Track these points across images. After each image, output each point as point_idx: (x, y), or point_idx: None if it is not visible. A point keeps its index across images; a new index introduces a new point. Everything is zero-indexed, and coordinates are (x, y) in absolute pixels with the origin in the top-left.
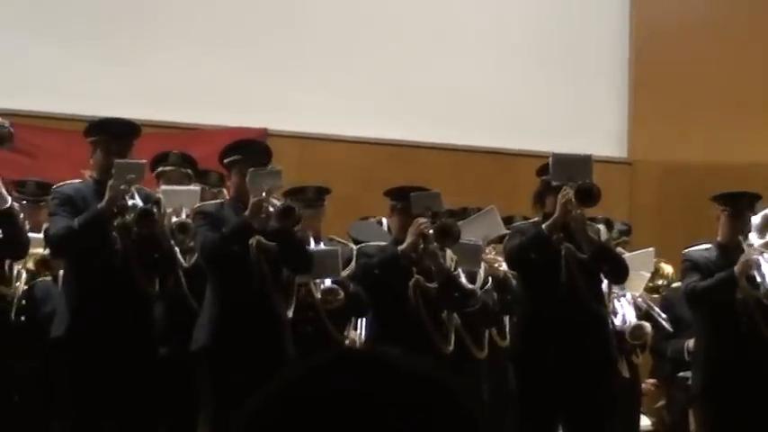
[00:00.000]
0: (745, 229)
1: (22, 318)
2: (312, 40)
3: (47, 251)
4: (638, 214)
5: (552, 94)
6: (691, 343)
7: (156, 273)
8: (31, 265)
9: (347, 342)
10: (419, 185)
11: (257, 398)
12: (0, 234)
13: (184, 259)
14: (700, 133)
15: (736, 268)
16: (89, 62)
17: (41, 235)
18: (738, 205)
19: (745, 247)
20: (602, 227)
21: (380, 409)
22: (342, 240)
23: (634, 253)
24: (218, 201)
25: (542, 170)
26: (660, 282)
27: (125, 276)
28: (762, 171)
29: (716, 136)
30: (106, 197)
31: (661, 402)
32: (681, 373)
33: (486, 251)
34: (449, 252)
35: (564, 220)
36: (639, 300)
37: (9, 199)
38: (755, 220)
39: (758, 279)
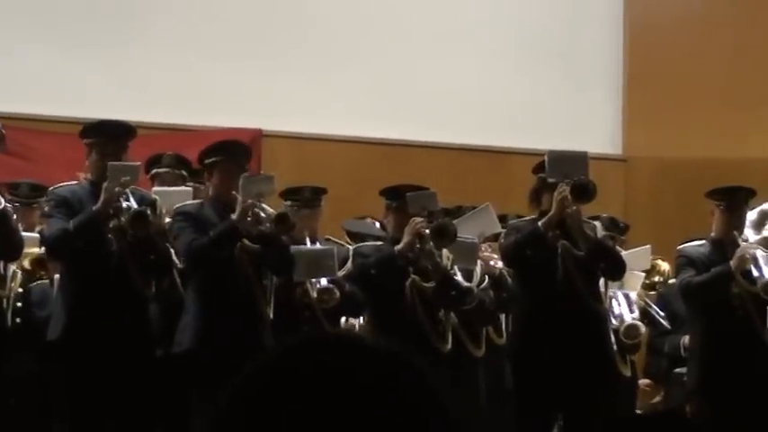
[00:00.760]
0: (740, 224)
1: (18, 320)
2: (307, 41)
3: (42, 250)
4: (634, 211)
5: (546, 91)
6: (687, 339)
7: (152, 274)
8: (26, 264)
9: None
10: (415, 185)
11: (231, 386)
12: None
13: (179, 260)
14: (695, 129)
15: (732, 263)
16: (83, 64)
17: (36, 234)
18: (733, 200)
19: (740, 242)
20: (597, 223)
21: (349, 386)
22: (338, 240)
23: (631, 251)
24: (198, 200)
25: (538, 168)
26: (657, 279)
27: (121, 278)
28: (757, 167)
29: (711, 132)
30: (101, 199)
31: (657, 398)
32: (677, 369)
33: (482, 249)
34: (445, 251)
35: (560, 217)
36: (636, 298)
37: (2, 201)
38: (751, 215)
39: (755, 273)
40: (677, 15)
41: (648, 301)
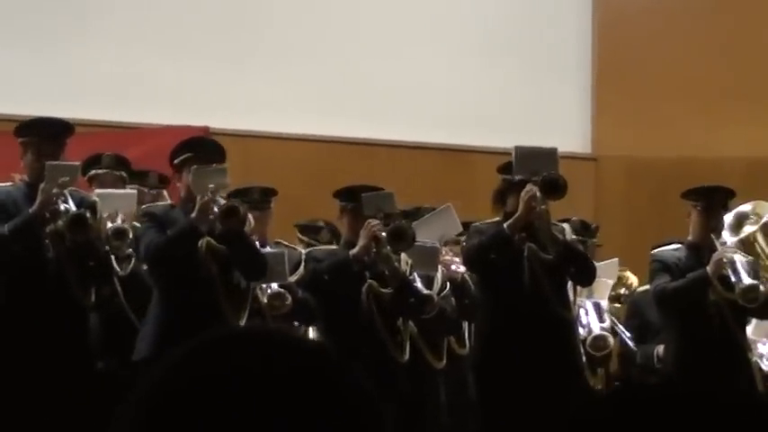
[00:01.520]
0: (717, 227)
1: None
2: (257, 34)
3: None
4: (604, 212)
5: (511, 86)
6: (660, 349)
7: (92, 282)
8: None
9: None
10: (370, 185)
11: (130, 397)
12: None
13: (120, 267)
14: (669, 126)
15: (708, 268)
16: (18, 59)
17: None
18: (711, 201)
19: (717, 245)
20: (566, 226)
21: (266, 386)
22: (289, 244)
23: (598, 264)
24: (168, 203)
25: (504, 168)
26: (623, 291)
27: (59, 286)
28: (735, 166)
29: (686, 129)
30: (38, 201)
31: None
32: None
33: (443, 253)
34: (403, 255)
35: (527, 217)
36: (606, 306)
37: None
38: (728, 218)
39: (732, 279)
40: (649, 7)
41: (613, 319)
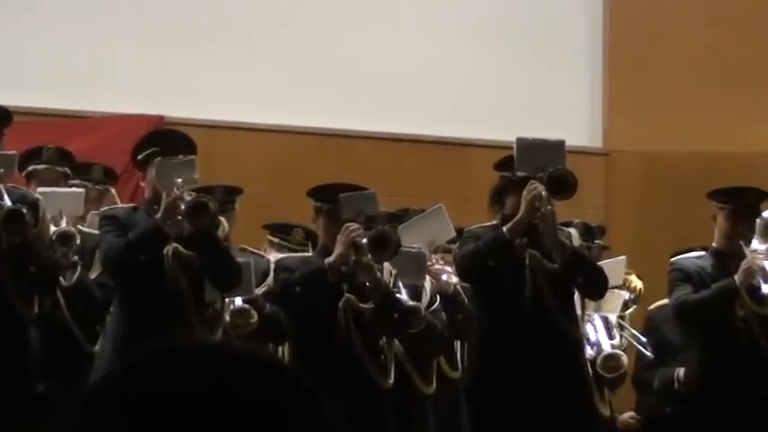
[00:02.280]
0: (747, 233)
1: None
2: (219, 15)
3: None
4: (616, 214)
5: (511, 72)
6: (681, 372)
7: (34, 290)
8: None
9: None
10: (350, 183)
11: (75, 404)
12: None
13: (64, 277)
14: (691, 117)
15: (736, 277)
16: None
17: None
18: (742, 203)
19: (747, 252)
20: (573, 231)
21: (206, 403)
22: (256, 250)
23: (603, 262)
24: (130, 205)
25: (502, 164)
26: (626, 296)
27: None
28: (764, 162)
29: (711, 120)
30: None
31: None
32: (669, 408)
33: (433, 260)
34: (387, 265)
35: (530, 220)
36: (614, 321)
37: None
38: (759, 223)
39: (764, 290)
40: None
41: (626, 325)
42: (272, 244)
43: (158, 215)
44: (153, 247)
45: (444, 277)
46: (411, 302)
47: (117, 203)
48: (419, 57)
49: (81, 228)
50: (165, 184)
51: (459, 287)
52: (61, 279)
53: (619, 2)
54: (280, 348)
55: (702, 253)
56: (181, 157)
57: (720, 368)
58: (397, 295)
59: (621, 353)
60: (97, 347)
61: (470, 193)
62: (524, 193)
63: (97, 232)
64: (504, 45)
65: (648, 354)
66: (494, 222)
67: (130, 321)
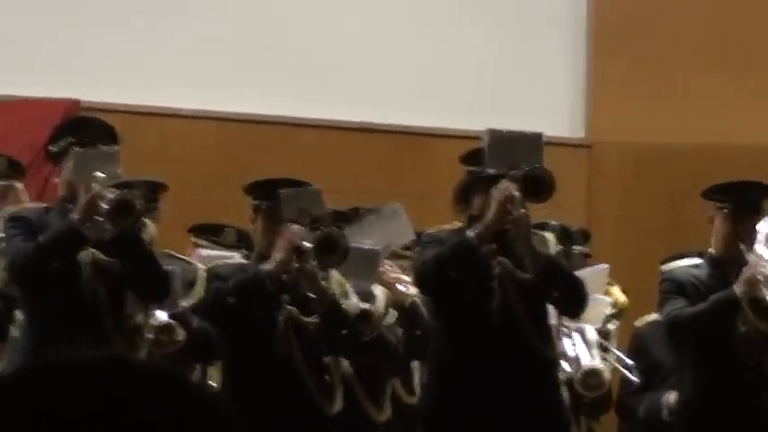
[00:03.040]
0: (749, 235)
1: None
2: None
3: None
4: (600, 214)
5: (483, 54)
6: (672, 396)
7: None
8: None
9: None
10: (292, 178)
11: None
12: None
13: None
14: (683, 106)
15: (737, 288)
16: None
17: None
18: (743, 202)
19: (749, 259)
20: (549, 235)
21: (99, 424)
22: (182, 256)
23: (582, 271)
24: (42, 204)
25: (470, 157)
26: (608, 311)
27: None
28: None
29: (706, 109)
30: None
31: None
32: None
33: (388, 267)
34: (334, 272)
35: (500, 224)
36: (594, 339)
37: None
38: (763, 225)
39: None
40: None
41: (608, 344)
42: (197, 247)
43: (75, 215)
44: (67, 251)
45: (401, 287)
46: (363, 305)
47: (23, 201)
48: (376, 35)
49: None
50: (83, 180)
51: (417, 299)
52: None
53: None
54: (211, 368)
55: (698, 260)
56: (102, 147)
57: (717, 394)
58: (346, 303)
59: (603, 368)
60: None
61: (432, 191)
62: (495, 193)
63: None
64: (474, 22)
65: (635, 378)
66: (458, 225)
67: (40, 337)
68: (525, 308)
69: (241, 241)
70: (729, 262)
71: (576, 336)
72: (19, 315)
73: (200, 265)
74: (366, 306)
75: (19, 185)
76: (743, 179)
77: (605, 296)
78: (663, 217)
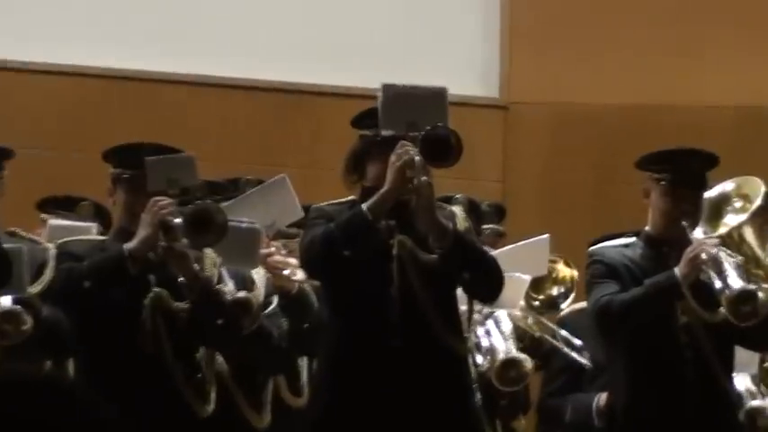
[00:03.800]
0: (693, 210)
1: None
2: None
3: None
4: (516, 184)
5: (381, 3)
6: (603, 398)
7: None
8: None
9: None
10: (160, 144)
11: None
12: None
13: None
14: (613, 61)
15: (678, 270)
16: None
17: None
18: (684, 172)
19: (691, 238)
20: (457, 209)
21: None
22: (30, 234)
23: (518, 245)
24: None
25: (363, 119)
26: (555, 292)
27: None
28: (719, 119)
29: (639, 64)
30: None
31: None
32: None
33: (272, 249)
34: (209, 252)
35: (399, 194)
36: (520, 318)
37: None
38: (709, 198)
39: (717, 284)
40: None
41: (544, 321)
42: (44, 224)
43: None
44: None
45: (286, 272)
46: (240, 293)
47: None
48: None
49: None
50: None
51: (305, 286)
52: None
53: None
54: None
55: (632, 239)
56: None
57: (655, 395)
58: (223, 289)
59: (525, 357)
60: None
61: (320, 158)
62: (392, 158)
63: None
64: None
65: (585, 361)
66: (351, 198)
67: None
68: (430, 293)
69: (99, 216)
70: (669, 241)
71: (490, 324)
72: None
73: (50, 244)
74: (242, 294)
75: None
76: (683, 146)
77: (544, 273)
78: (590, 189)
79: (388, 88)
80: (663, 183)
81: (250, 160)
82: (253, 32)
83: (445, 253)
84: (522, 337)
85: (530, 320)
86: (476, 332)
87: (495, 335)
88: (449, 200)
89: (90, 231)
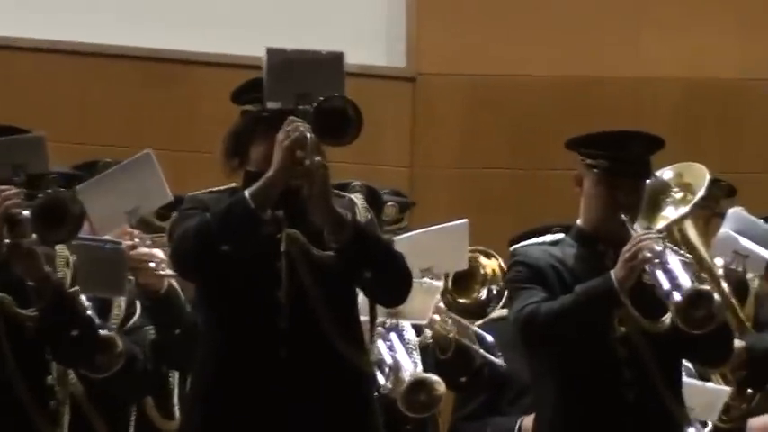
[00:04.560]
0: (634, 202)
1: None
2: None
3: None
4: (425, 168)
5: None
6: (528, 421)
7: None
8: None
9: None
10: (4, 124)
11: None
12: None
13: None
14: (536, 28)
15: (615, 273)
16: None
17: None
18: (623, 157)
19: (631, 232)
20: (357, 197)
21: None
22: None
23: (426, 230)
24: None
25: (244, 92)
26: (477, 293)
27: None
28: (662, 94)
29: (559, 34)
30: None
31: None
32: None
33: (136, 240)
34: (62, 250)
35: (288, 179)
36: (413, 337)
37: None
38: (650, 187)
39: (664, 286)
40: None
41: (464, 322)
42: None
43: None
44: None
45: (152, 265)
46: (104, 331)
47: None
48: None
49: None
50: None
51: (176, 285)
52: None
53: None
54: None
55: (560, 236)
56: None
57: (588, 419)
58: (78, 294)
59: (436, 379)
60: None
61: (195, 139)
62: (279, 136)
63: None
64: None
65: (499, 361)
66: (232, 185)
67: None
68: (324, 296)
69: None
70: (605, 238)
71: (392, 336)
72: None
73: None
74: (107, 334)
75: None
76: (623, 128)
77: (464, 268)
78: (511, 176)
79: (273, 54)
80: (597, 170)
81: (111, 141)
82: None
83: (342, 248)
84: (446, 348)
85: (449, 322)
86: (377, 347)
87: (399, 350)
88: (345, 187)
89: None
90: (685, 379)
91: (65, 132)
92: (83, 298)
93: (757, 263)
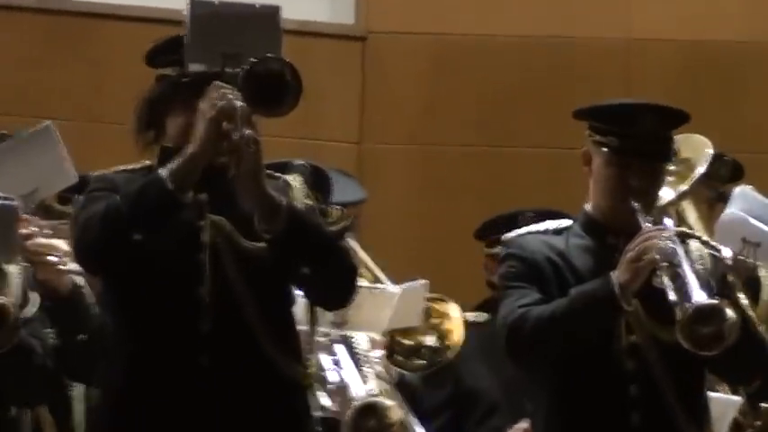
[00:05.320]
0: (649, 189)
1: None
2: None
3: None
4: (377, 144)
5: None
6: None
7: None
8: None
9: None
10: None
11: None
12: None
13: None
14: None
15: (617, 274)
16: None
17: None
18: (635, 134)
19: (642, 223)
20: (296, 179)
21: None
22: None
23: (382, 290)
24: None
25: (161, 52)
26: (426, 340)
27: None
28: (640, 54)
29: None
30: None
31: None
32: None
33: (32, 228)
34: None
35: (212, 156)
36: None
37: None
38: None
39: (671, 297)
40: None
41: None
42: None
43: None
44: None
45: (52, 259)
46: None
47: None
48: None
49: None
50: None
51: (82, 283)
52: None
53: None
54: None
55: (567, 223)
56: None
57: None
58: None
59: (390, 403)
60: None
61: (103, 108)
62: (202, 104)
63: None
64: None
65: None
66: (146, 163)
67: None
68: (254, 294)
69: None
70: (615, 228)
71: (339, 349)
72: None
73: None
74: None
75: None
76: (635, 101)
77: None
78: (476, 153)
79: (197, 6)
80: (607, 148)
81: (5, 109)
82: None
83: (276, 239)
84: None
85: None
86: (319, 361)
87: (347, 366)
88: (284, 167)
89: None
90: None
91: None
92: None
93: None
